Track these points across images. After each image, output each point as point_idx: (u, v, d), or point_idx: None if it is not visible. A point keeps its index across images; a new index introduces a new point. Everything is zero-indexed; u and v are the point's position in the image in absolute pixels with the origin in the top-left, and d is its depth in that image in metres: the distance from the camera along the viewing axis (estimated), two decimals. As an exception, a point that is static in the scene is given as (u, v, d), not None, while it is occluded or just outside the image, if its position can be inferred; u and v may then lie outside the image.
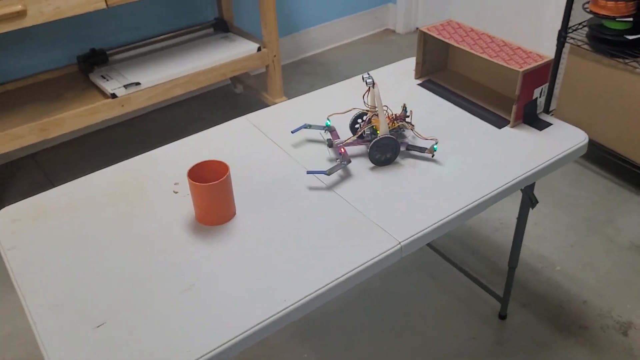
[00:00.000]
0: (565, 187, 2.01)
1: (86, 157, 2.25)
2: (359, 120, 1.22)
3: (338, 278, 0.90)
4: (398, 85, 1.42)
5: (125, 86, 1.93)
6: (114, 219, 1.02)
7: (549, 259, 1.74)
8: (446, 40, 1.32)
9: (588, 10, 1.87)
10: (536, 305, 1.59)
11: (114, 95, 1.91)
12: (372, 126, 1.17)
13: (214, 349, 0.79)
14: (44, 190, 1.10)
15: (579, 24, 2.01)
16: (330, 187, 1.08)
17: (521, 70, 1.18)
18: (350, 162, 1.13)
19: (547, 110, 2.15)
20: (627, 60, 1.81)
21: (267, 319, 0.84)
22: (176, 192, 1.09)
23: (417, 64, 1.44)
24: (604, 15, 1.83)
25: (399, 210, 1.03)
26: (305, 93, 1.46)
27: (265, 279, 0.90)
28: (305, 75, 2.80)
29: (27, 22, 1.61)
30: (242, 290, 0.88)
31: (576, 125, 1.76)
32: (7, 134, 1.73)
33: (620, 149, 1.94)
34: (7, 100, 1.98)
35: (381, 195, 1.06)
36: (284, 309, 0.85)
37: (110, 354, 0.79)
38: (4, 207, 1.99)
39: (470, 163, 1.14)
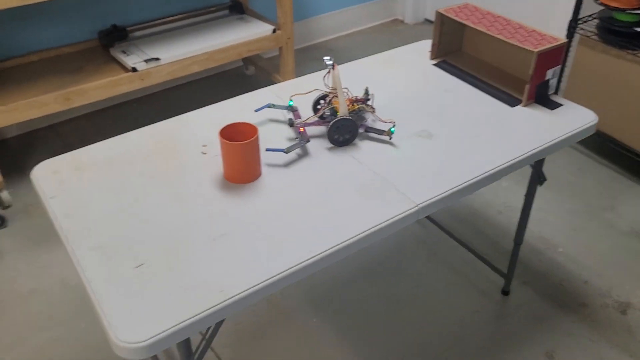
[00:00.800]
0: (569, 175, 2.07)
1: (104, 129, 2.31)
2: (321, 102, 1.24)
3: (361, 233, 0.96)
4: (414, 64, 1.48)
5: (146, 61, 1.98)
6: (149, 173, 1.08)
7: (551, 241, 1.80)
8: (463, 22, 1.38)
9: (599, 2, 1.93)
10: (538, 283, 1.65)
11: (134, 69, 1.96)
12: (333, 107, 1.20)
13: (245, 290, 0.85)
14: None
15: (589, 15, 2.06)
16: (351, 154, 1.14)
17: (536, 50, 1.24)
18: (309, 141, 1.16)
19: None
20: (635, 52, 1.87)
21: (294, 266, 0.90)
22: (204, 153, 1.15)
23: (433, 44, 1.49)
24: (614, 7, 1.89)
25: (417, 177, 1.09)
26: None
27: (292, 232, 0.96)
28: (314, 60, 2.85)
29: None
30: (271, 240, 0.94)
31: (583, 113, 1.82)
32: (33, 101, 1.79)
33: (625, 139, 2.00)
34: (31, 70, 2.03)
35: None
36: (309, 259, 0.91)
37: (150, 290, 0.85)
38: (26, 173, 2.05)
39: (484, 137, 1.20)
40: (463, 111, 1.29)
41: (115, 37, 2.16)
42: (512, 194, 1.98)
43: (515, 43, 1.28)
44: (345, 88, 1.26)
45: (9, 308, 1.57)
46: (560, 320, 1.55)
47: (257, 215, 0.99)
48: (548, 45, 1.26)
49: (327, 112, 1.21)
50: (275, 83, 2.56)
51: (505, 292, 1.62)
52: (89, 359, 1.44)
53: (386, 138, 1.19)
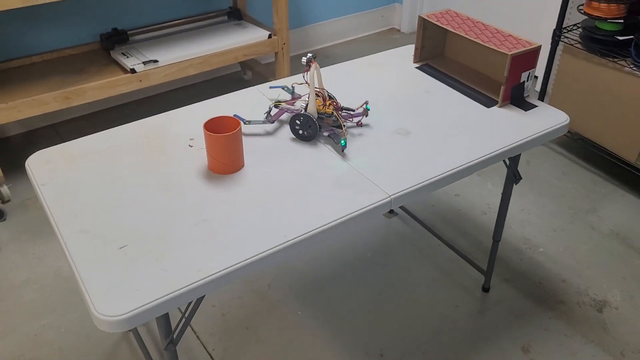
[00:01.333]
0: (553, 179, 2.12)
1: (103, 129, 2.37)
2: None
3: (335, 220, 1.01)
4: (398, 67, 1.54)
5: (144, 63, 2.05)
6: (137, 164, 1.14)
7: (533, 241, 1.85)
8: (444, 26, 1.44)
9: (582, 11, 1.99)
10: (518, 281, 1.70)
11: (133, 71, 2.03)
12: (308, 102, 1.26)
13: (221, 270, 0.91)
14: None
15: (574, 25, 2.12)
16: (330, 148, 1.20)
17: (510, 53, 1.29)
18: (273, 122, 1.27)
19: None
20: (616, 60, 1.93)
21: (268, 249, 0.95)
22: (191, 146, 1.21)
23: (415, 49, 1.56)
24: (596, 16, 1.95)
25: (392, 170, 1.14)
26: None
27: (269, 218, 1.01)
28: (313, 66, 2.92)
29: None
30: (248, 225, 1.00)
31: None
32: (34, 100, 1.86)
33: (607, 144, 2.05)
34: (33, 70, 2.10)
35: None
36: (284, 243, 0.97)
37: (131, 268, 0.91)
38: (25, 170, 2.11)
39: (460, 135, 1.26)
40: (441, 111, 1.35)
41: (116, 40, 2.23)
42: (496, 196, 2.03)
43: (492, 46, 1.34)
44: (324, 89, 1.31)
45: (3, 298, 1.63)
46: (537, 317, 1.59)
47: (237, 204, 1.05)
48: (522, 49, 1.32)
49: (302, 105, 1.28)
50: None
51: (486, 289, 1.67)
52: (81, 346, 1.50)
53: (338, 149, 1.22)
